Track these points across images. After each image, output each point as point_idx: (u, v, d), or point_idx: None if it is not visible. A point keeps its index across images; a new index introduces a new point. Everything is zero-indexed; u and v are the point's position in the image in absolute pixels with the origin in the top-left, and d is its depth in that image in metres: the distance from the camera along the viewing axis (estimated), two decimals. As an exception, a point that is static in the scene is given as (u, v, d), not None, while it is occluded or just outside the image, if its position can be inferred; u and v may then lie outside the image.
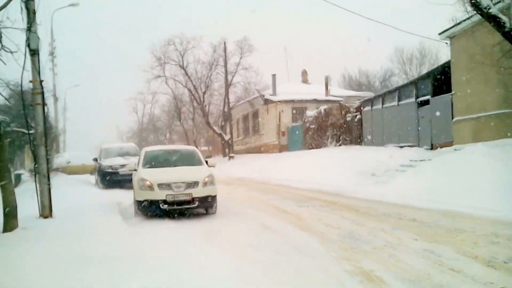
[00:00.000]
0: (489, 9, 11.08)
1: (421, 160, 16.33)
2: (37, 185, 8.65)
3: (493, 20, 11.14)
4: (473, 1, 11.24)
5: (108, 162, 17.93)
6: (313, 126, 27.97)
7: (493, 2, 11.78)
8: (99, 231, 7.63)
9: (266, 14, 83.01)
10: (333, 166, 19.45)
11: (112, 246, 6.62)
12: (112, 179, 17.40)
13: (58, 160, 31.60)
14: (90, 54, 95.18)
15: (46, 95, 10.18)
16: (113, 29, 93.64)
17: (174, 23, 76.19)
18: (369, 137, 23.33)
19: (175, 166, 10.45)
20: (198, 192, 9.53)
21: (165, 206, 9.30)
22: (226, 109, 36.84)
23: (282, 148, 32.40)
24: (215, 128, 38.99)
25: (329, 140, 26.36)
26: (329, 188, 14.94)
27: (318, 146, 27.16)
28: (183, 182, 9.47)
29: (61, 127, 45.07)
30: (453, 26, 16.16)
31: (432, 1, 12.98)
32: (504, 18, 11.09)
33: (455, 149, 15.82)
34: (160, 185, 9.37)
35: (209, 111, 43.39)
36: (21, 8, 8.30)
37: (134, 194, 10.08)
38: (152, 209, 9.42)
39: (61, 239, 6.76)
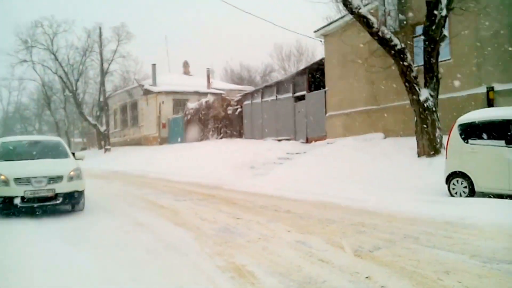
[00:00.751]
0: (359, 9, 11.70)
1: (297, 153, 16.92)
2: None
3: (363, 20, 11.80)
4: (345, 1, 11.78)
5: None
6: (195, 118, 27.65)
7: (363, 3, 12.49)
8: None
9: (146, 2, 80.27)
10: (214, 159, 19.41)
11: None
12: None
13: None
14: None
15: None
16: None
17: (43, 4, 69.86)
18: (249, 130, 23.68)
19: (36, 159, 9.33)
20: (63, 187, 8.63)
21: (23, 204, 8.27)
22: (102, 99, 34.82)
23: (162, 141, 31.60)
24: (90, 119, 36.74)
25: (210, 132, 26.27)
26: (208, 181, 14.77)
27: (199, 139, 26.94)
28: (45, 177, 8.50)
29: None
30: (327, 25, 16.96)
31: (309, -1, 13.44)
32: (372, 19, 11.80)
33: (328, 143, 16.69)
34: (17, 180, 8.31)
35: (84, 100, 40.85)
36: None
37: (-15, 190, 8.81)
38: (7, 207, 8.31)
39: None
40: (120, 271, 4.94)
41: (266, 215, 8.03)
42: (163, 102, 31.56)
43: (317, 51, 43.66)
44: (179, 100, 32.15)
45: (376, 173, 12.15)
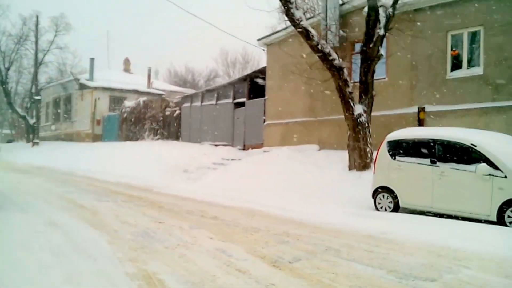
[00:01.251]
0: (301, 21, 11.76)
1: (232, 159, 16.75)
2: None
3: (304, 32, 11.86)
4: (287, 11, 11.80)
5: None
6: (131, 117, 26.80)
7: (306, 16, 12.58)
8: None
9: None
10: (148, 160, 18.85)
11: None
12: None
13: None
14: None
15: None
16: None
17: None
18: (187, 133, 23.26)
19: None
20: (-31, 179, 7.91)
21: None
22: (34, 90, 32.93)
23: (96, 138, 30.40)
24: (19, 110, 34.67)
25: (147, 133, 25.57)
26: (139, 182, 14.27)
27: (135, 139, 26.12)
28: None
29: None
30: (270, 34, 16.98)
31: (251, 5, 13.38)
32: (313, 32, 11.89)
33: (264, 151, 16.66)
34: None
35: (16, 91, 38.59)
36: None
37: None
38: None
39: None
40: (18, 274, 4.50)
41: (191, 221, 7.74)
42: (99, 98, 30.34)
43: (262, 60, 43.90)
44: (116, 97, 31.05)
45: (307, 184, 12.19)
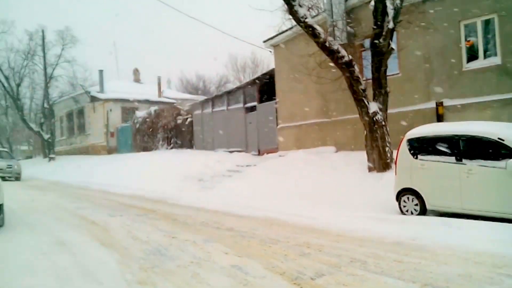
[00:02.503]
0: (305, 18, 11.35)
1: (247, 166, 16.38)
2: None
3: (309, 30, 11.44)
4: (290, 9, 11.42)
5: None
6: (144, 127, 26.63)
7: (310, 14, 12.15)
8: None
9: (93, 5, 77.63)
10: (162, 171, 18.63)
11: None
12: None
13: None
14: None
15: None
16: None
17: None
18: (200, 141, 22.98)
19: None
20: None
21: None
22: (46, 105, 33.01)
23: (111, 150, 30.38)
24: (32, 126, 34.80)
25: (160, 142, 25.35)
26: (153, 194, 13.98)
27: (149, 149, 25.93)
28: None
29: None
30: (275, 35, 16.53)
31: (254, 6, 13.08)
32: (319, 29, 11.47)
33: (280, 155, 16.25)
34: None
35: (31, 106, 38.81)
36: None
37: None
38: None
39: None
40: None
41: (205, 234, 7.36)
42: (110, 110, 30.32)
43: (272, 62, 43.54)
44: (128, 108, 31.00)
45: (326, 188, 11.74)
